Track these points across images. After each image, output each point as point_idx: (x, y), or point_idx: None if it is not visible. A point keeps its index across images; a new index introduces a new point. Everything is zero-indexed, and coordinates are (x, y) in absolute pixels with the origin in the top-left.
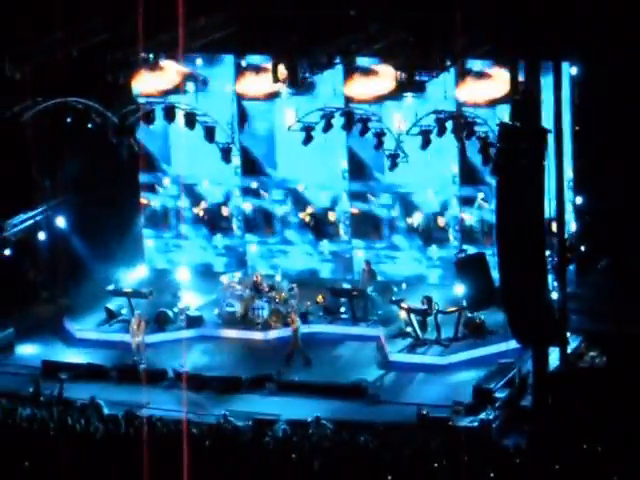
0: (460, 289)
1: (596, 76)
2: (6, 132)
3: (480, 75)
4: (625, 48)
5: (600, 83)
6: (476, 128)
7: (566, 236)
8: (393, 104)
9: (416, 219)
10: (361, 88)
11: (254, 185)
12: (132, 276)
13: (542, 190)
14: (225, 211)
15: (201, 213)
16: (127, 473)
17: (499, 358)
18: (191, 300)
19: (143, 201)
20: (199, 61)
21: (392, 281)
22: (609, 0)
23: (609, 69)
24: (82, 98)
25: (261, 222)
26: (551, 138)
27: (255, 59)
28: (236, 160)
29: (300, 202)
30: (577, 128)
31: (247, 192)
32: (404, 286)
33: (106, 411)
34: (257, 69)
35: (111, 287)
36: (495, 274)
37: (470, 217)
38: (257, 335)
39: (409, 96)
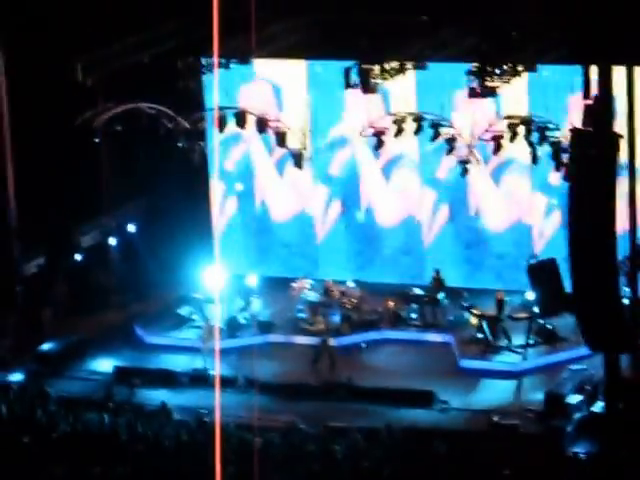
0: (532, 295)
1: None
2: (78, 138)
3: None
4: None
5: None
6: (548, 133)
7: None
8: (465, 109)
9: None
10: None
11: None
12: (203, 282)
13: (614, 195)
14: None
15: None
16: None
17: (571, 365)
18: (262, 306)
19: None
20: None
21: (463, 287)
22: None
23: None
24: (153, 103)
25: None
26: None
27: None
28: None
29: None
30: None
31: None
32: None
33: (176, 416)
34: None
35: (182, 293)
36: (567, 280)
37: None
38: (328, 341)
39: (481, 102)
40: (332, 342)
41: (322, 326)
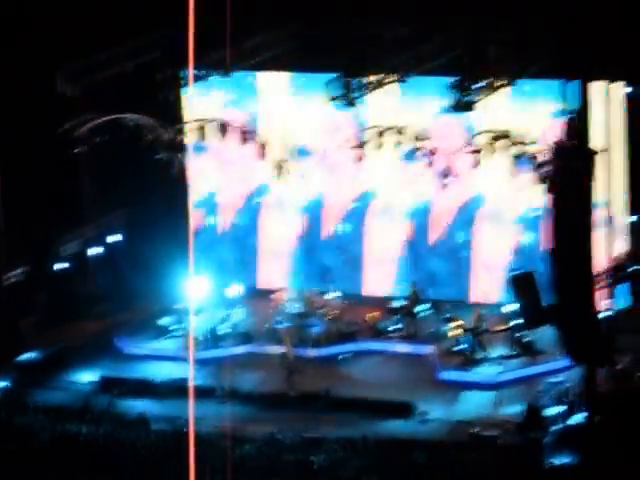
0: (509, 307)
1: None
2: (59, 148)
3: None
4: None
5: None
6: (527, 147)
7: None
8: (444, 122)
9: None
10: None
11: None
12: (184, 292)
13: (592, 209)
14: None
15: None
16: None
17: (549, 377)
18: (242, 317)
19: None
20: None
21: (444, 299)
22: None
23: None
24: (134, 115)
25: None
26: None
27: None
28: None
29: None
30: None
31: None
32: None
33: (156, 426)
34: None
35: (163, 303)
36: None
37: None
38: (308, 352)
39: (460, 115)
40: (293, 353)
41: (290, 338)
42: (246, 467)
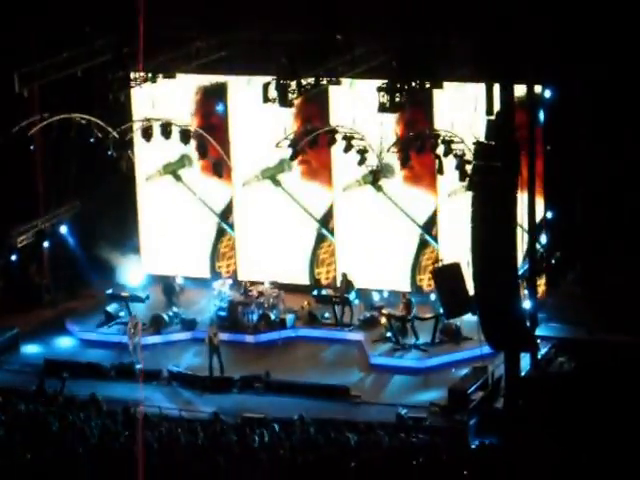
0: (436, 296)
1: (568, 97)
2: (14, 146)
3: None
4: (596, 71)
5: (571, 104)
6: (453, 146)
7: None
8: (376, 122)
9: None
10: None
11: None
12: (130, 281)
13: (515, 205)
14: None
15: None
16: (123, 469)
17: (474, 362)
18: (185, 304)
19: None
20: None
21: (373, 288)
22: (584, 23)
23: (581, 91)
24: (85, 114)
25: None
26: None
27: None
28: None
29: None
30: (548, 147)
31: None
32: (385, 294)
33: (105, 407)
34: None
35: (110, 291)
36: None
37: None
38: (247, 338)
39: (391, 115)
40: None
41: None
42: (191, 446)
